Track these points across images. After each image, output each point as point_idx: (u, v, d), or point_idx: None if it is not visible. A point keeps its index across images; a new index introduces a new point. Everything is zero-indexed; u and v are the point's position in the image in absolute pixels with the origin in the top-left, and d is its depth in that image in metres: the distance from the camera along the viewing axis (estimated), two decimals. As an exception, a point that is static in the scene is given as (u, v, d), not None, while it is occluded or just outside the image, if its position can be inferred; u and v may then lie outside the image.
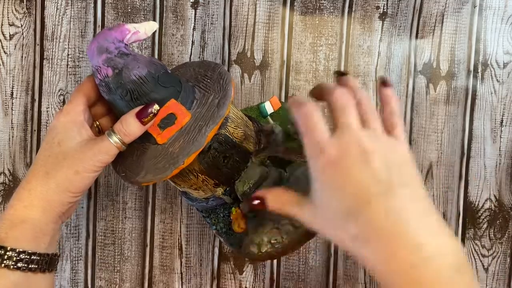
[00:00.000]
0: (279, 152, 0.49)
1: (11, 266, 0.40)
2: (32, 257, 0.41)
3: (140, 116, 0.43)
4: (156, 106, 0.43)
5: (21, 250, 0.41)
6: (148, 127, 0.44)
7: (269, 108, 0.53)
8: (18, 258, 0.41)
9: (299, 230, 0.46)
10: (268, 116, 0.53)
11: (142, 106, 0.44)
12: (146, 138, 0.45)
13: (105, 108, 0.48)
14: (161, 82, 0.44)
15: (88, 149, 0.43)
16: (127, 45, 0.44)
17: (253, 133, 0.50)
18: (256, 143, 0.50)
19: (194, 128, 0.44)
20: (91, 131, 0.46)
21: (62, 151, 0.43)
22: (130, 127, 0.43)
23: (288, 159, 0.49)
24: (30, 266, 0.41)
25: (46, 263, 0.43)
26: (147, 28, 0.45)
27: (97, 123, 0.48)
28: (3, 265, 0.40)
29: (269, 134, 0.51)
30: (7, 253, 0.40)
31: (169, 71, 0.46)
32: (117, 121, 0.45)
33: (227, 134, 0.47)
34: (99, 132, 0.48)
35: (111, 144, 0.43)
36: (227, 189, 0.49)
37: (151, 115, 0.43)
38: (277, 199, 0.41)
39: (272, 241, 0.46)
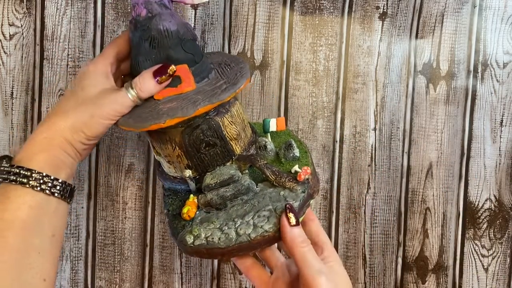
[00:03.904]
0: (260, 164, 0.49)
1: (37, 187, 0.43)
2: (55, 182, 0.44)
3: (156, 75, 0.46)
4: (173, 67, 0.46)
5: (45, 174, 0.44)
6: (163, 86, 0.46)
7: (273, 125, 0.53)
8: (42, 181, 0.43)
9: (238, 240, 0.46)
10: (269, 133, 0.53)
11: (160, 65, 0.46)
12: None
13: None
14: (183, 45, 0.47)
15: (106, 97, 0.46)
16: (171, 0, 0.47)
17: (247, 140, 0.51)
18: (244, 150, 0.50)
19: (191, 99, 0.46)
20: (117, 84, 0.48)
21: (83, 95, 0.46)
22: (146, 83, 0.46)
23: (265, 176, 0.49)
24: (52, 190, 0.44)
25: (67, 191, 0.45)
26: None
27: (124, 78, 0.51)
28: (28, 185, 0.43)
29: (261, 147, 0.51)
30: (33, 174, 0.43)
31: (197, 42, 0.49)
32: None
33: (220, 124, 0.48)
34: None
35: (127, 97, 0.46)
36: (196, 177, 0.49)
37: (166, 75, 0.46)
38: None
39: (209, 239, 0.47)
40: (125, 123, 0.47)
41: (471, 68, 0.61)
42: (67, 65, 0.62)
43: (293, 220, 0.45)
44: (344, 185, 0.62)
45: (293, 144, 0.51)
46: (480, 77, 0.61)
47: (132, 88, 0.46)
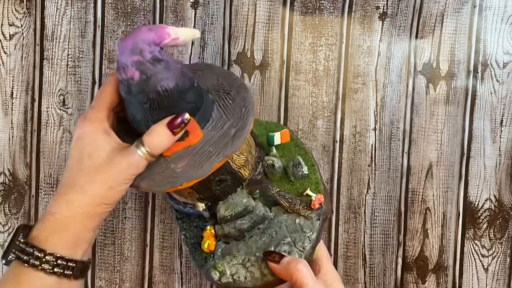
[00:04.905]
0: (273, 193, 0.49)
1: (48, 270, 0.41)
2: (69, 263, 0.42)
3: (171, 127, 0.42)
4: (187, 115, 0.42)
5: (59, 255, 0.41)
6: (176, 138, 0.43)
7: (277, 139, 0.52)
8: (55, 263, 0.41)
9: (264, 279, 0.46)
10: (274, 146, 0.53)
11: (172, 116, 0.42)
12: None
13: None
14: (185, 97, 0.42)
15: (119, 163, 0.42)
16: (162, 49, 0.42)
17: (253, 159, 0.50)
18: (252, 169, 0.49)
19: (203, 152, 0.43)
20: (115, 136, 0.44)
21: (94, 165, 0.42)
22: (159, 138, 0.42)
23: (279, 203, 0.49)
24: (65, 272, 0.41)
25: (80, 270, 0.43)
26: (188, 36, 0.43)
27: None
28: (40, 268, 0.40)
29: (269, 166, 0.51)
30: (46, 257, 0.41)
31: (196, 85, 0.44)
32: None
33: (229, 161, 0.46)
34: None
35: (140, 157, 0.42)
36: (208, 204, 0.49)
37: (182, 125, 0.42)
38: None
39: (235, 277, 0.47)
40: (141, 185, 0.44)
41: (471, 68, 0.61)
42: (67, 65, 0.62)
43: (277, 257, 0.46)
44: (344, 185, 0.62)
45: (301, 162, 0.51)
46: (480, 77, 0.61)
47: (143, 146, 0.42)
